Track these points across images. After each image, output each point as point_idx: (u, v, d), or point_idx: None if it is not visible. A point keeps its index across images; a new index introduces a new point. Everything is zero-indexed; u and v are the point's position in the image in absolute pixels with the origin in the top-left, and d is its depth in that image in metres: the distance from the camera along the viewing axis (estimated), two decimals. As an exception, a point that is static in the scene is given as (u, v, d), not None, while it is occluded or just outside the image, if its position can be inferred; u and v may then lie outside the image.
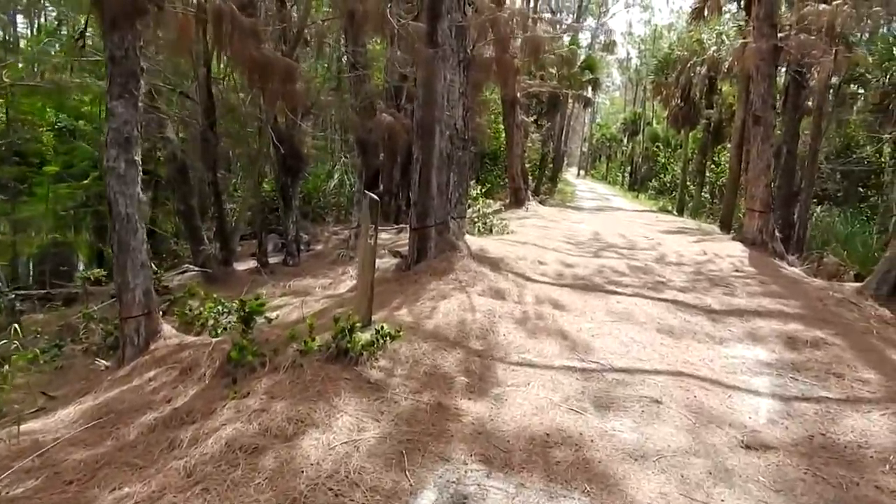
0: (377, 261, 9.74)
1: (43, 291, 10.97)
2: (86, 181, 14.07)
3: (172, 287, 9.70)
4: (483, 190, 19.28)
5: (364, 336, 5.24)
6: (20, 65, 14.64)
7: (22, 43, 20.23)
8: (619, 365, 5.84)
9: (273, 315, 7.59)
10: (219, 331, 6.32)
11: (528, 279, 8.65)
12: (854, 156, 23.09)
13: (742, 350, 6.52)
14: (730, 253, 11.54)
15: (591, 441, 4.36)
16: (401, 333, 5.40)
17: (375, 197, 5.73)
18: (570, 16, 33.43)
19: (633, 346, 6.37)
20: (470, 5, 10.09)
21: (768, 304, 8.00)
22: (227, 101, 11.98)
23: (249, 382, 4.81)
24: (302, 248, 14.14)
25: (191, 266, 11.45)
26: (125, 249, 6.01)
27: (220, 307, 7.27)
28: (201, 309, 7.46)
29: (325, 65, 16.44)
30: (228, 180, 15.43)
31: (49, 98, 13.84)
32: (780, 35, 13.12)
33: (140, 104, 6.00)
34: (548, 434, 4.40)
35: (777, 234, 12.98)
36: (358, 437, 4.10)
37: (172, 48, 7.46)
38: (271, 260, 12.16)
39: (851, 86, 22.19)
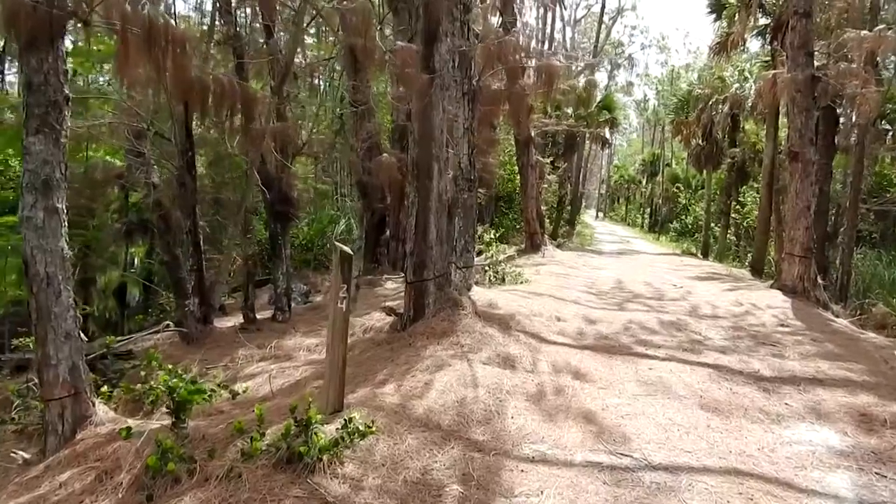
0: (369, 319, 8.68)
1: (-9, 358, 9.78)
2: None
3: (138, 351, 8.54)
4: (497, 235, 18.18)
5: (327, 432, 4.02)
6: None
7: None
8: (657, 460, 4.55)
9: (242, 388, 6.45)
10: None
11: (544, 340, 7.41)
12: (888, 195, 21.83)
13: (807, 432, 5.19)
14: (769, 303, 10.32)
15: None
16: (373, 429, 4.16)
17: (348, 250, 4.59)
18: (587, 55, 32.73)
19: (674, 431, 5.09)
20: (472, 30, 9.05)
21: (827, 369, 6.69)
22: (209, 141, 10.99)
23: (168, 501, 3.61)
24: (298, 299, 13.09)
25: (171, 323, 10.34)
26: (45, 317, 4.91)
27: (175, 380, 6.06)
28: (152, 382, 6.25)
29: (322, 102, 15.51)
30: (225, 228, 14.42)
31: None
32: (815, 65, 12.09)
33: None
34: (568, 583, 3.15)
35: (820, 281, 11.78)
36: None
37: (128, 78, 6.38)
38: (262, 315, 11.05)
39: (881, 122, 21.02)
